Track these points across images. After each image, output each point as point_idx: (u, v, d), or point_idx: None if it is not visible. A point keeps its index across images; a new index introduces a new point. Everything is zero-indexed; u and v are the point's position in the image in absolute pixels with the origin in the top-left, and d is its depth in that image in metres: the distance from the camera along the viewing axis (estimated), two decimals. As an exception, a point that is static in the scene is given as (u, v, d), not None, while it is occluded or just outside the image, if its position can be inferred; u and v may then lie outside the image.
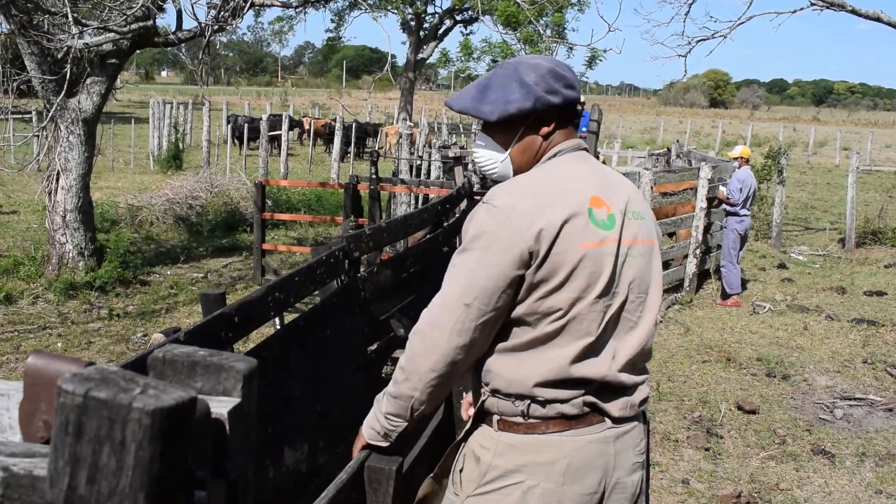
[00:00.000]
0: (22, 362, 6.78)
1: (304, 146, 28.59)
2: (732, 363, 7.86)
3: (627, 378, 2.03)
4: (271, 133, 20.40)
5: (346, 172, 18.89)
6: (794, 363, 7.95)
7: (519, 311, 1.92)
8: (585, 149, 2.14)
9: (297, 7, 10.53)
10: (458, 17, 36.00)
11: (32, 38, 8.12)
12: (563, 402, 1.95)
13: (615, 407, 2.01)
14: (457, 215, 6.76)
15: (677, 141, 18.91)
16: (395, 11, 35.05)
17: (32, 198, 13.58)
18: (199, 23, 8.46)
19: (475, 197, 7.15)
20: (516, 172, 2.10)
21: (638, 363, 2.09)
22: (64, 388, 0.72)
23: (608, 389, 2.00)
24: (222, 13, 8.44)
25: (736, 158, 10.27)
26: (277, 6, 9.30)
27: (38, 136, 12.28)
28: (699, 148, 25.74)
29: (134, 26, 8.28)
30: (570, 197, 1.93)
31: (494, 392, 2.00)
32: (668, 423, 6.44)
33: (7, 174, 16.32)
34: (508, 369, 1.97)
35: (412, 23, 35.54)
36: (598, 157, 8.86)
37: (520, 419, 1.98)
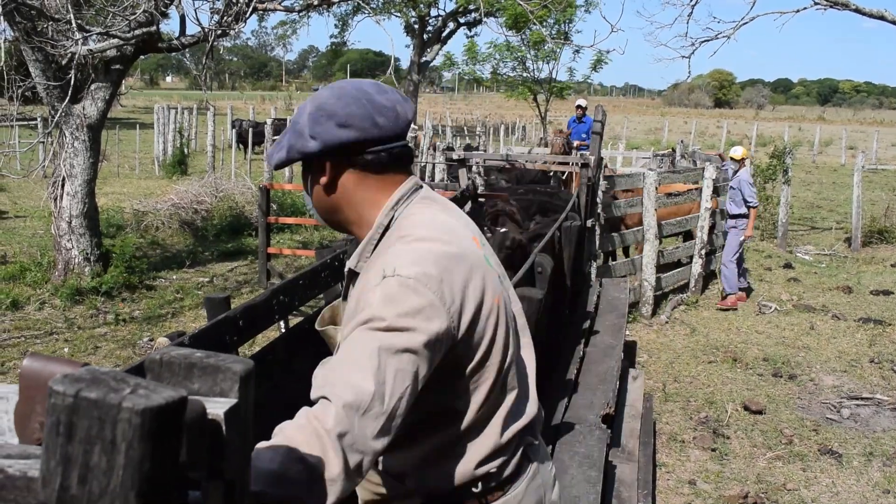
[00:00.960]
0: (28, 368, 6.79)
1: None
2: (738, 363, 7.84)
3: (538, 404, 1.92)
4: (276, 137, 20.43)
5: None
6: (801, 363, 7.93)
7: (444, 399, 1.67)
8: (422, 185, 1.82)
9: (300, 11, 10.54)
10: (462, 20, 36.08)
11: (37, 45, 8.15)
12: (508, 464, 1.78)
13: (536, 436, 1.92)
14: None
15: (682, 141, 18.89)
16: (399, 15, 35.14)
17: (38, 204, 13.61)
18: (203, 28, 8.48)
19: (479, 199, 7.16)
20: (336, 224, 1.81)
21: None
22: (55, 389, 0.72)
23: (533, 425, 1.89)
24: (225, 18, 8.45)
25: (738, 160, 10.03)
26: (280, 10, 9.31)
27: (43, 142, 12.33)
28: (704, 148, 25.71)
29: (137, 32, 8.31)
30: (467, 250, 1.66)
31: (430, 493, 1.79)
32: (675, 423, 6.43)
33: (13, 180, 16.37)
34: (444, 465, 1.74)
35: (416, 26, 35.62)
36: (601, 160, 8.85)
37: (473, 500, 1.77)
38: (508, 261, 5.90)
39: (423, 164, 14.26)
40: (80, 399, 0.72)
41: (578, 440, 3.69)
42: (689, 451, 5.96)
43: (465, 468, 1.72)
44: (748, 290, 10.34)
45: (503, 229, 6.12)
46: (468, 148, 17.04)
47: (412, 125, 14.11)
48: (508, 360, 1.71)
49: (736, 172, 10.00)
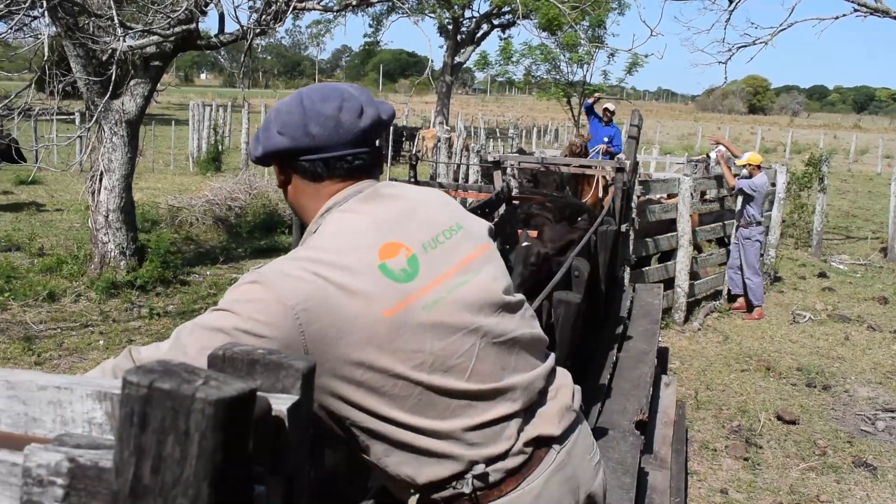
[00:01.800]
0: (65, 359, 6.88)
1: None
2: (772, 372, 7.77)
3: (541, 384, 1.81)
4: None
5: (384, 176, 18.99)
6: (835, 373, 7.84)
7: (349, 414, 1.60)
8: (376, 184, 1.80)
9: (337, 11, 10.59)
10: (496, 22, 36.09)
11: (78, 41, 8.25)
12: (501, 457, 1.68)
13: (553, 424, 1.78)
14: (496, 219, 6.77)
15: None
16: (433, 16, 35.20)
17: (76, 198, 13.78)
18: (241, 26, 8.54)
19: (513, 201, 7.15)
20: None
21: (540, 360, 1.86)
22: (129, 380, 0.73)
23: (536, 414, 1.77)
24: (264, 16, 8.51)
25: (744, 166, 9.61)
26: (318, 10, 9.36)
27: (81, 136, 12.46)
28: (738, 155, 25.47)
29: (177, 29, 8.39)
30: (352, 259, 1.60)
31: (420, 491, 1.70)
32: (707, 431, 6.38)
33: (51, 174, 16.59)
34: (397, 468, 1.67)
35: (449, 27, 35.66)
36: (637, 164, 8.78)
37: (466, 501, 1.67)
38: (534, 276, 5.83)
39: (455, 167, 14.26)
40: (154, 390, 0.72)
41: (612, 446, 3.66)
42: (722, 459, 5.91)
43: (415, 474, 1.66)
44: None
45: (525, 243, 5.94)
46: (521, 151, 16.95)
47: (445, 126, 14.09)
48: (423, 370, 1.60)
49: (748, 177, 9.60)
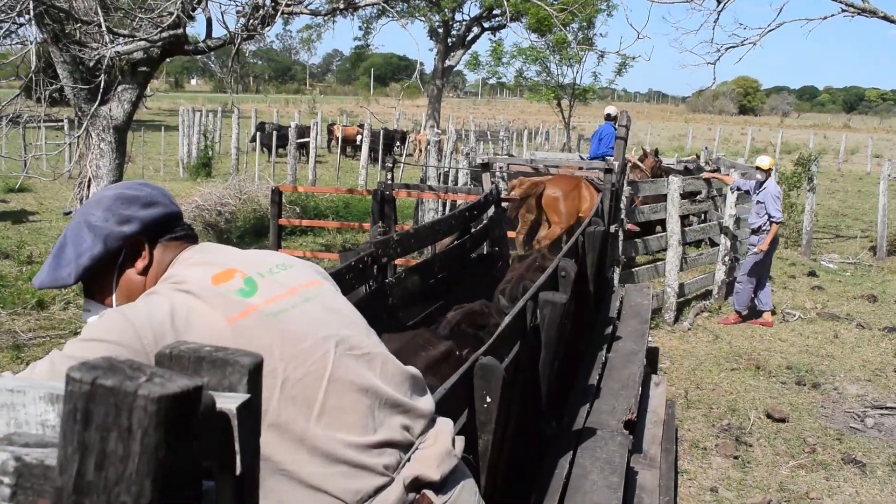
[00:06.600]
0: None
1: (332, 153, 28.70)
2: (762, 371, 7.78)
3: (409, 403, 1.76)
4: (300, 140, 20.57)
5: (373, 179, 19.00)
6: (825, 371, 7.85)
7: None
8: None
9: (325, 15, 10.57)
10: (486, 25, 36.11)
11: (65, 47, 8.22)
12: (375, 494, 1.62)
13: (432, 467, 1.69)
14: (484, 221, 6.77)
15: (706, 148, 18.78)
16: (423, 19, 35.21)
17: (64, 205, 13.74)
18: (229, 31, 8.51)
19: (502, 203, 7.15)
20: None
21: (410, 391, 1.80)
22: (72, 377, 0.73)
23: (413, 458, 1.71)
24: (252, 21, 8.49)
25: (765, 170, 9.19)
26: (306, 14, 9.32)
27: (70, 144, 12.43)
28: (728, 155, 25.55)
29: (164, 35, 8.36)
30: (191, 282, 1.64)
31: None
32: (697, 430, 6.38)
33: (40, 182, 16.53)
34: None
35: (440, 30, 35.68)
36: (626, 165, 8.77)
37: None
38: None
39: (446, 170, 14.26)
40: (97, 386, 0.72)
41: (600, 446, 3.66)
42: (712, 458, 5.92)
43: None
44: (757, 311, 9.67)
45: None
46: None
47: (435, 129, 14.04)
48: (274, 376, 1.59)
49: (762, 184, 9.26)
